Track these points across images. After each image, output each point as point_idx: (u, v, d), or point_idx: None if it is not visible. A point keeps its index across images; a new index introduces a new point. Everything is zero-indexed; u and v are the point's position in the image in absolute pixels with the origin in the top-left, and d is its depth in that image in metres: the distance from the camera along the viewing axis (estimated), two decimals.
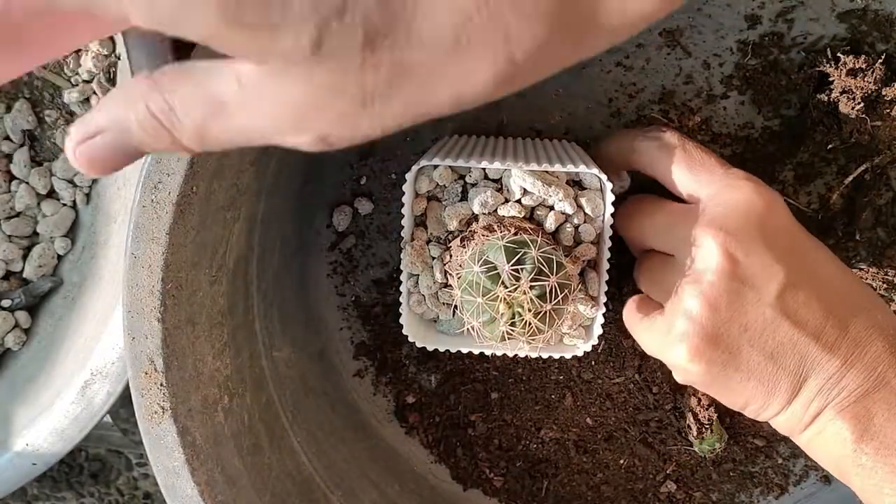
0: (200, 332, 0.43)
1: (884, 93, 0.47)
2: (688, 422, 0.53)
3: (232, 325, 0.45)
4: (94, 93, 0.52)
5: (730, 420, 0.54)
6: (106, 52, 0.51)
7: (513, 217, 0.42)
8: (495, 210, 0.43)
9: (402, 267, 0.44)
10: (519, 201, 0.43)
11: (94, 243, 0.57)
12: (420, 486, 0.56)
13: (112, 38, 0.51)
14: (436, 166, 0.43)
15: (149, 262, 0.40)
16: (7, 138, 0.55)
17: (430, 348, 0.44)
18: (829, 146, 0.50)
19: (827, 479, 0.56)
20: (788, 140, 0.51)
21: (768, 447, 0.55)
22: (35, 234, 0.57)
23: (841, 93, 0.48)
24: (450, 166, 0.43)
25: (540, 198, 0.42)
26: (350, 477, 0.52)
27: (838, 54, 0.48)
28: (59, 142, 0.55)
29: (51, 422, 0.53)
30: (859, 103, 0.47)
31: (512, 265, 0.38)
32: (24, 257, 0.57)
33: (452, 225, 0.43)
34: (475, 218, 0.43)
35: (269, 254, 0.49)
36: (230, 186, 0.42)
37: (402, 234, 0.44)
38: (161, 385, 0.41)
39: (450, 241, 0.44)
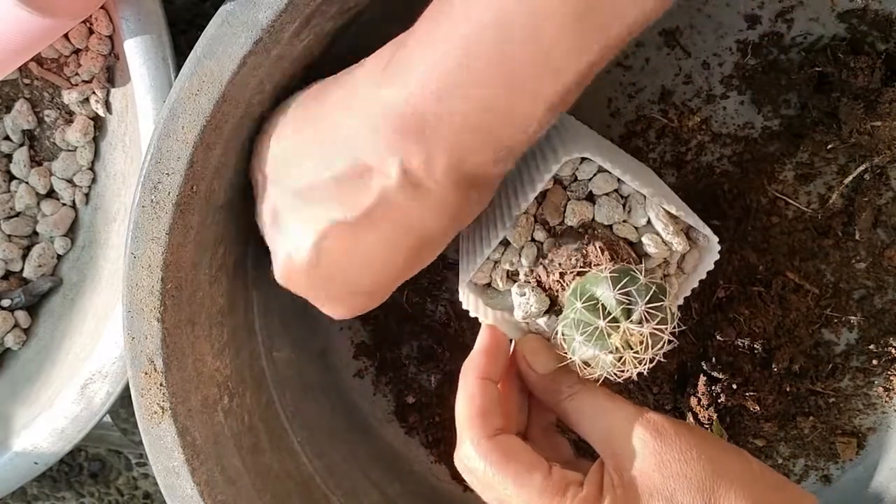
0: (200, 332, 0.43)
1: (884, 93, 0.47)
2: (688, 421, 0.53)
3: (232, 325, 0.45)
4: (94, 92, 0.52)
5: (730, 420, 0.54)
6: (105, 53, 0.51)
7: (625, 239, 0.40)
8: (611, 226, 0.40)
9: (502, 232, 0.41)
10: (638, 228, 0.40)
11: (94, 243, 0.57)
12: (420, 486, 0.56)
13: (111, 38, 0.51)
14: (596, 165, 0.40)
15: (149, 262, 0.40)
16: (6, 138, 0.55)
17: (473, 314, 0.42)
18: (829, 146, 0.50)
19: (827, 478, 0.56)
20: (788, 140, 0.51)
21: (769, 447, 0.55)
22: (35, 233, 0.57)
23: (841, 93, 0.48)
24: (604, 169, 0.40)
25: (659, 239, 0.40)
26: (350, 477, 0.52)
27: (838, 54, 0.48)
28: (59, 141, 0.55)
29: (50, 421, 0.53)
30: (859, 103, 0.47)
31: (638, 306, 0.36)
32: (24, 257, 0.57)
33: (572, 221, 0.40)
34: (591, 225, 0.40)
35: (270, 254, 0.49)
36: (230, 186, 0.42)
37: (520, 201, 0.40)
38: (161, 385, 0.41)
39: (557, 231, 0.41)
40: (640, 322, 0.36)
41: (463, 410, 0.39)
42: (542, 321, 0.41)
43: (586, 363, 0.38)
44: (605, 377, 0.38)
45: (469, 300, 0.42)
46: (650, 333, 0.36)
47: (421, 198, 0.35)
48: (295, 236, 0.38)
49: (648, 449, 0.36)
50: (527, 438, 0.42)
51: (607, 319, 0.36)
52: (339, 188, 0.35)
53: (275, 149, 0.39)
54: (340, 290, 0.39)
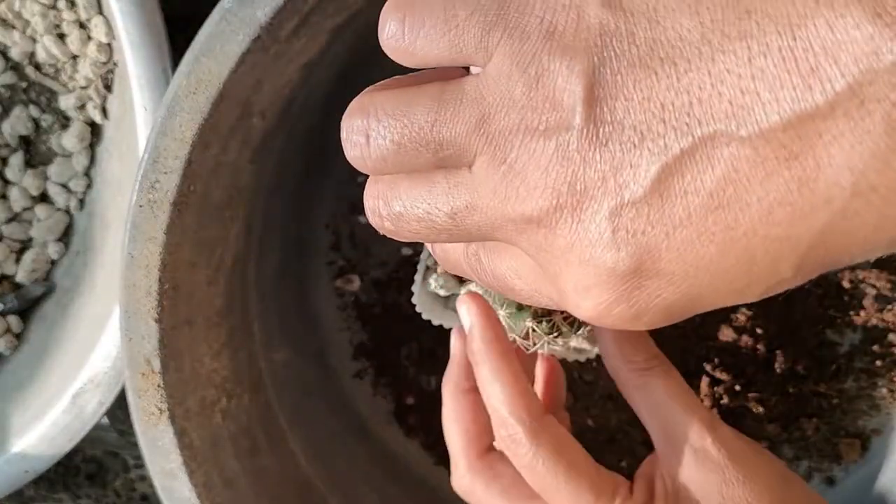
0: (198, 333, 0.42)
1: None
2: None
3: (230, 326, 0.45)
4: (91, 98, 0.52)
5: (732, 422, 0.54)
6: (104, 60, 0.51)
7: None
8: None
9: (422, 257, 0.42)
10: None
11: (89, 249, 0.56)
12: (420, 488, 0.55)
13: (110, 45, 0.51)
14: None
15: (146, 262, 0.40)
16: (6, 145, 0.55)
17: (436, 323, 0.43)
18: None
19: (831, 480, 0.55)
20: None
21: (772, 449, 0.54)
22: (29, 238, 0.57)
23: None
24: None
25: None
26: (349, 479, 0.52)
27: None
28: (55, 146, 0.54)
29: (41, 430, 0.52)
30: None
31: None
32: (18, 261, 0.57)
33: None
34: None
35: (268, 253, 0.49)
36: (229, 185, 0.42)
37: None
38: (158, 386, 0.41)
39: None
40: None
41: (447, 431, 0.38)
42: None
43: (509, 318, 0.37)
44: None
45: (425, 306, 0.43)
46: None
47: None
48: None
49: (714, 463, 0.34)
50: None
51: None
52: None
53: None
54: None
